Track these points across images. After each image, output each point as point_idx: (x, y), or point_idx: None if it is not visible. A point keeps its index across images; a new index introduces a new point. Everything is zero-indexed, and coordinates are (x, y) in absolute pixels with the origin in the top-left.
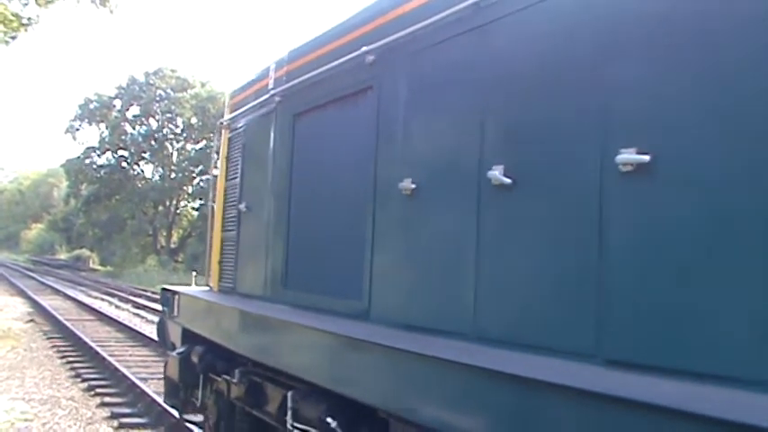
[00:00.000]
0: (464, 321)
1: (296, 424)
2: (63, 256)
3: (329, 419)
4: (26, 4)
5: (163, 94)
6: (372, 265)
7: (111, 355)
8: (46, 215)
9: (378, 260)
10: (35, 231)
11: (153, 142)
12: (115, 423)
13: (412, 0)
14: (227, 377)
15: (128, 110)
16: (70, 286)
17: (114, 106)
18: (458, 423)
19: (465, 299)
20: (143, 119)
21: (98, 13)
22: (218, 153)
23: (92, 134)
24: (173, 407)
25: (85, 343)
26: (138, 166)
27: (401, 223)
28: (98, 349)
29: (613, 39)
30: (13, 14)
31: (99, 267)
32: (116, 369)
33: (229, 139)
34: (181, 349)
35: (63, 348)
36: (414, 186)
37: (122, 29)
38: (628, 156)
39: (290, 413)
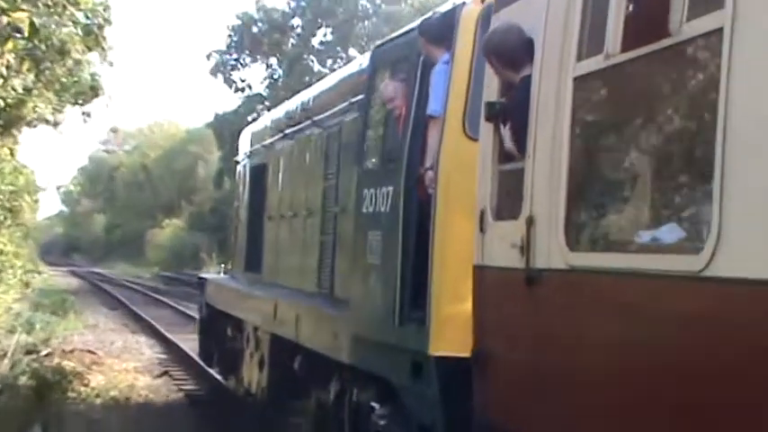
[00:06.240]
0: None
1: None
2: (214, 269)
3: (229, 332)
4: None
5: None
6: (263, 253)
7: None
8: (185, 205)
9: (267, 251)
10: (169, 231)
11: None
12: None
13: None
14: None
15: None
16: None
17: None
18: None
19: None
20: None
21: None
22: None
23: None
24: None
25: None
26: None
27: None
28: None
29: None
30: None
31: None
32: None
33: (237, 173)
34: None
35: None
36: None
37: None
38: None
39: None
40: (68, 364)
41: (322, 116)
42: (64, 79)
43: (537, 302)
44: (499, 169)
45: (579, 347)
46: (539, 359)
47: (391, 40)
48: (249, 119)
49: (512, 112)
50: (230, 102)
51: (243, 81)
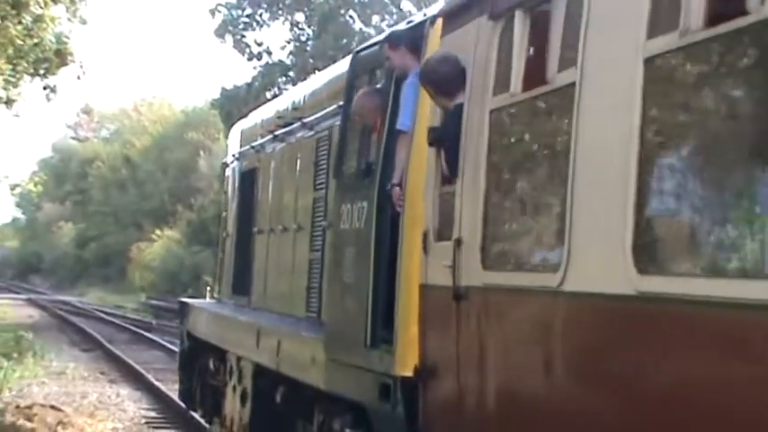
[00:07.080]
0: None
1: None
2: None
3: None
4: None
5: None
6: (253, 273)
7: None
8: (182, 210)
9: (256, 271)
10: (160, 245)
11: None
12: None
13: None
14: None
15: None
16: None
17: None
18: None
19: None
20: None
21: None
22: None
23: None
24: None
25: None
26: None
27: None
28: None
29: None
30: None
31: None
32: None
33: (225, 177)
34: None
35: None
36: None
37: None
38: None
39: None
40: (25, 425)
41: (312, 118)
42: (20, 41)
43: (461, 318)
44: (440, 191)
45: (487, 362)
46: (464, 376)
47: (371, 45)
48: (268, 95)
49: (444, 137)
50: (242, 73)
51: (259, 45)
